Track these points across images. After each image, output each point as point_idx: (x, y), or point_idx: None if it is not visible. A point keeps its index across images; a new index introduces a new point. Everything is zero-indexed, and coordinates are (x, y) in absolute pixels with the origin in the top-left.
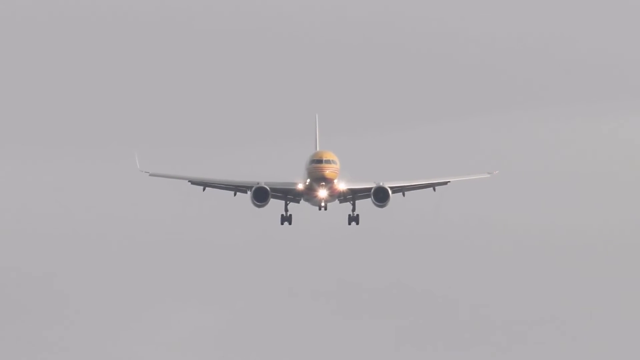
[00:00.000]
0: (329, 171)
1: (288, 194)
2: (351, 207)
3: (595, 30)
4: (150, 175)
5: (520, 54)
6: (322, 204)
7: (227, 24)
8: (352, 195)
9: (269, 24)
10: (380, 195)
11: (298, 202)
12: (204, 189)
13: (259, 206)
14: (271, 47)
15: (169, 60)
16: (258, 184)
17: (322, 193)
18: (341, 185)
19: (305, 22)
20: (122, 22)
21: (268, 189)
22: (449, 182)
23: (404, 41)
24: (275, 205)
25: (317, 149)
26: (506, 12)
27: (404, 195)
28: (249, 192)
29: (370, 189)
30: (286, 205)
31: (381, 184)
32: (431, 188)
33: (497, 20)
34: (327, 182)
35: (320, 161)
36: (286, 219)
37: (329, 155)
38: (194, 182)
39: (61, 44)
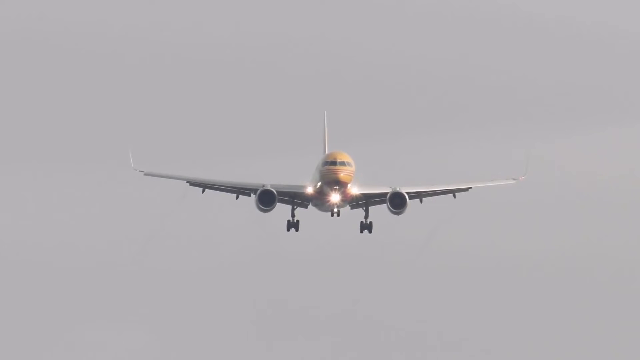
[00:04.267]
0: (343, 174)
1: (295, 198)
2: (364, 213)
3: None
4: (145, 174)
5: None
6: (335, 210)
7: (231, 28)
8: (366, 201)
9: (278, 26)
10: (397, 201)
11: (306, 207)
12: (203, 191)
13: (264, 211)
14: (277, 49)
15: (169, 59)
16: (264, 186)
17: (335, 197)
18: (354, 190)
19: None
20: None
21: (275, 192)
22: (470, 188)
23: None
24: (282, 210)
25: (326, 148)
26: None
27: (421, 201)
28: (253, 195)
29: (386, 194)
30: (293, 210)
31: (397, 189)
32: (451, 195)
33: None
34: (341, 185)
35: (334, 163)
36: (293, 225)
37: (343, 156)
38: (192, 183)
39: (57, 47)
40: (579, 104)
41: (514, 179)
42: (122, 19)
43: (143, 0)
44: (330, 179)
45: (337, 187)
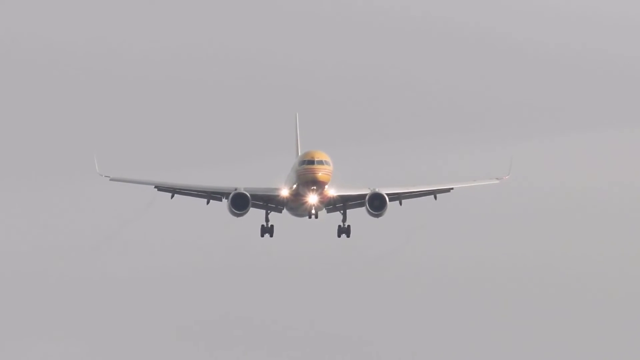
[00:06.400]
0: (321, 173)
1: (270, 202)
2: (341, 217)
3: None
4: (111, 179)
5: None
6: (313, 211)
7: (200, 31)
8: (343, 204)
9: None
10: (376, 203)
11: (280, 211)
12: (172, 196)
13: (237, 215)
14: (244, 52)
15: (136, 64)
16: (236, 189)
17: (312, 199)
18: (331, 192)
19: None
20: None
21: (248, 195)
22: (452, 188)
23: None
24: (255, 215)
25: (299, 150)
26: None
27: (400, 204)
28: (224, 200)
29: (364, 196)
30: (267, 214)
31: (377, 190)
32: (432, 196)
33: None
34: (319, 185)
35: (312, 162)
36: (267, 230)
37: (321, 155)
38: (161, 188)
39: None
40: (559, 108)
41: (497, 179)
42: (90, 25)
43: (108, 4)
44: (307, 178)
45: (315, 188)
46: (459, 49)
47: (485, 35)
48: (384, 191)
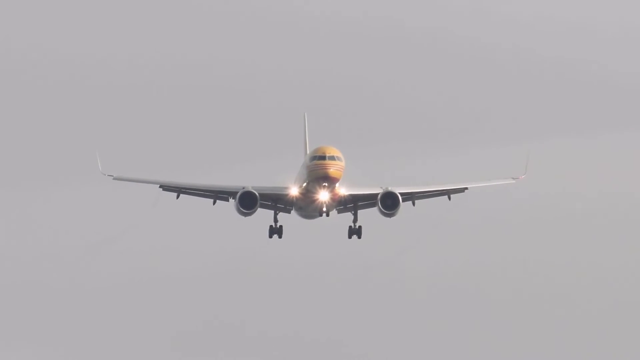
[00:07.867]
0: (333, 169)
1: (278, 202)
2: (352, 217)
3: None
4: (115, 179)
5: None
6: (324, 209)
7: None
8: (354, 204)
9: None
10: (389, 202)
11: (289, 212)
12: (177, 196)
13: (245, 214)
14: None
15: (141, 62)
16: (244, 188)
17: (324, 196)
18: (342, 191)
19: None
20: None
21: (257, 193)
22: (466, 188)
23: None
24: (264, 215)
25: (307, 150)
26: None
27: (414, 204)
28: (231, 200)
29: (376, 195)
30: (275, 215)
31: (389, 188)
32: (446, 196)
33: None
34: (331, 182)
35: (323, 157)
36: (276, 230)
37: (333, 150)
38: (166, 188)
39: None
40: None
41: (513, 179)
42: (95, 25)
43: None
44: (318, 174)
45: (327, 184)
46: (470, 54)
47: (497, 41)
48: (396, 190)
